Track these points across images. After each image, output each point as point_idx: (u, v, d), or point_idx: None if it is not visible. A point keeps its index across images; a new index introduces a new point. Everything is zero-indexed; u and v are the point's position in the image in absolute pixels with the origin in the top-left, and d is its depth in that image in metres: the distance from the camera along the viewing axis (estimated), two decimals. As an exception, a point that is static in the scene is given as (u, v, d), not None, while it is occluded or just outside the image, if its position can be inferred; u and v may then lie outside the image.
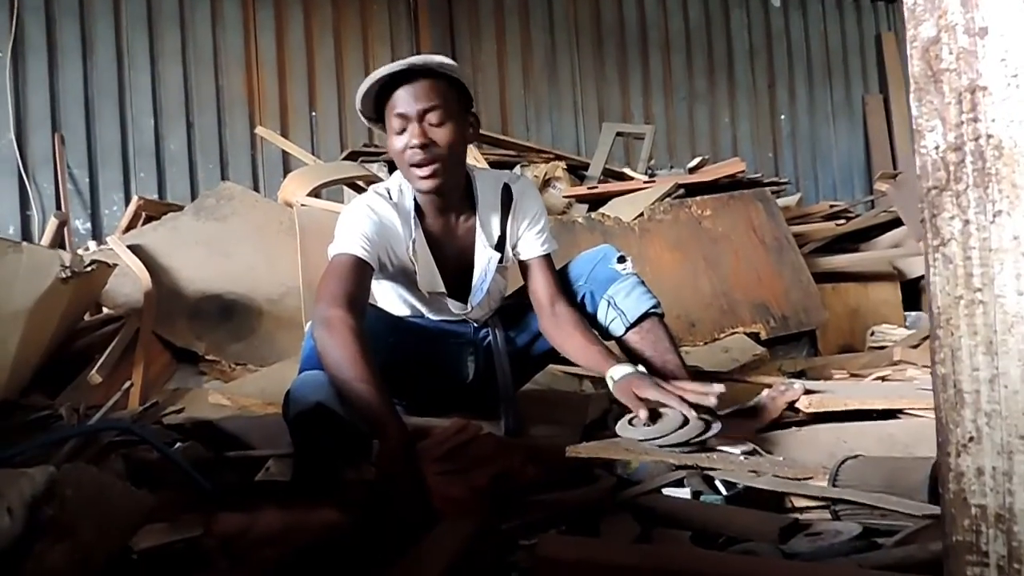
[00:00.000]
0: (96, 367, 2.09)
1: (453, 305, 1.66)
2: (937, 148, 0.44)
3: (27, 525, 1.00)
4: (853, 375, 2.12)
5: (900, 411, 1.53)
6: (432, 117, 1.46)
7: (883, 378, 1.97)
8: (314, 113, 4.76)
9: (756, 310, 2.88)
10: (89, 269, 2.05)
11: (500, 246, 1.64)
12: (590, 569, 0.72)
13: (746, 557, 0.88)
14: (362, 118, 1.58)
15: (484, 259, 1.63)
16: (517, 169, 3.76)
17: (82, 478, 1.12)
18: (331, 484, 1.24)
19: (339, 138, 4.76)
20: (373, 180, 3.42)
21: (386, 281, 1.66)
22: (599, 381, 2.48)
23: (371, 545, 1.03)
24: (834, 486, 1.10)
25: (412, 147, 1.46)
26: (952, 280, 0.43)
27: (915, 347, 2.47)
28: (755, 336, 2.80)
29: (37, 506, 1.03)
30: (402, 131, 1.48)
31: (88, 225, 4.22)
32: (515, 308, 1.77)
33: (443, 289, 1.63)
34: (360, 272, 1.45)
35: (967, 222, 0.43)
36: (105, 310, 2.60)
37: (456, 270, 1.64)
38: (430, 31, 4.96)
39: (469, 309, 1.67)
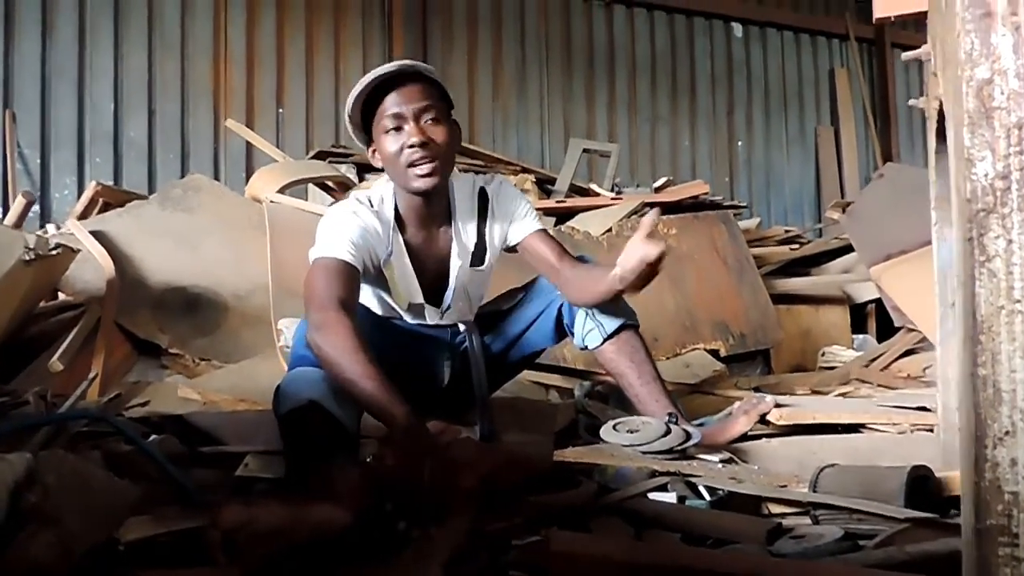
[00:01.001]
0: (57, 354, 2.01)
1: (429, 313, 1.67)
2: (987, 176, 0.51)
3: (9, 512, 0.97)
4: (815, 391, 2.23)
5: (863, 426, 1.62)
6: (428, 116, 1.47)
7: (844, 395, 2.08)
8: (281, 110, 4.69)
9: (716, 328, 2.97)
10: (54, 253, 1.98)
11: (477, 254, 1.65)
12: (608, 565, 0.74)
13: (765, 557, 0.93)
14: (349, 127, 1.56)
15: (456, 269, 1.63)
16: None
17: (63, 466, 1.08)
18: (322, 481, 1.23)
19: (305, 137, 4.70)
20: (342, 181, 3.39)
21: (366, 285, 1.66)
22: (565, 391, 2.52)
23: (370, 542, 1.03)
24: (814, 492, 1.16)
25: (411, 146, 1.45)
26: (995, 292, 0.49)
27: (866, 367, 2.61)
28: (715, 353, 2.88)
29: (18, 493, 1.00)
30: (398, 131, 1.47)
31: (36, 208, 4.05)
32: (492, 316, 1.78)
33: (421, 300, 1.63)
34: (348, 275, 1.43)
35: (1010, 241, 0.50)
36: (62, 296, 2.51)
37: (434, 279, 1.64)
38: (403, 37, 4.96)
39: (441, 316, 1.68)
